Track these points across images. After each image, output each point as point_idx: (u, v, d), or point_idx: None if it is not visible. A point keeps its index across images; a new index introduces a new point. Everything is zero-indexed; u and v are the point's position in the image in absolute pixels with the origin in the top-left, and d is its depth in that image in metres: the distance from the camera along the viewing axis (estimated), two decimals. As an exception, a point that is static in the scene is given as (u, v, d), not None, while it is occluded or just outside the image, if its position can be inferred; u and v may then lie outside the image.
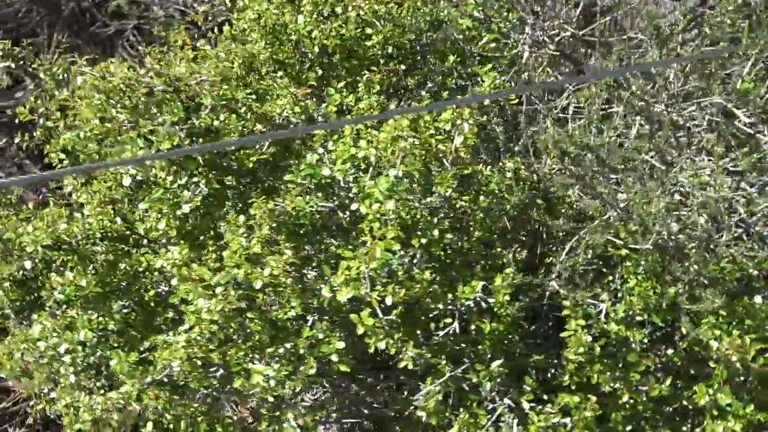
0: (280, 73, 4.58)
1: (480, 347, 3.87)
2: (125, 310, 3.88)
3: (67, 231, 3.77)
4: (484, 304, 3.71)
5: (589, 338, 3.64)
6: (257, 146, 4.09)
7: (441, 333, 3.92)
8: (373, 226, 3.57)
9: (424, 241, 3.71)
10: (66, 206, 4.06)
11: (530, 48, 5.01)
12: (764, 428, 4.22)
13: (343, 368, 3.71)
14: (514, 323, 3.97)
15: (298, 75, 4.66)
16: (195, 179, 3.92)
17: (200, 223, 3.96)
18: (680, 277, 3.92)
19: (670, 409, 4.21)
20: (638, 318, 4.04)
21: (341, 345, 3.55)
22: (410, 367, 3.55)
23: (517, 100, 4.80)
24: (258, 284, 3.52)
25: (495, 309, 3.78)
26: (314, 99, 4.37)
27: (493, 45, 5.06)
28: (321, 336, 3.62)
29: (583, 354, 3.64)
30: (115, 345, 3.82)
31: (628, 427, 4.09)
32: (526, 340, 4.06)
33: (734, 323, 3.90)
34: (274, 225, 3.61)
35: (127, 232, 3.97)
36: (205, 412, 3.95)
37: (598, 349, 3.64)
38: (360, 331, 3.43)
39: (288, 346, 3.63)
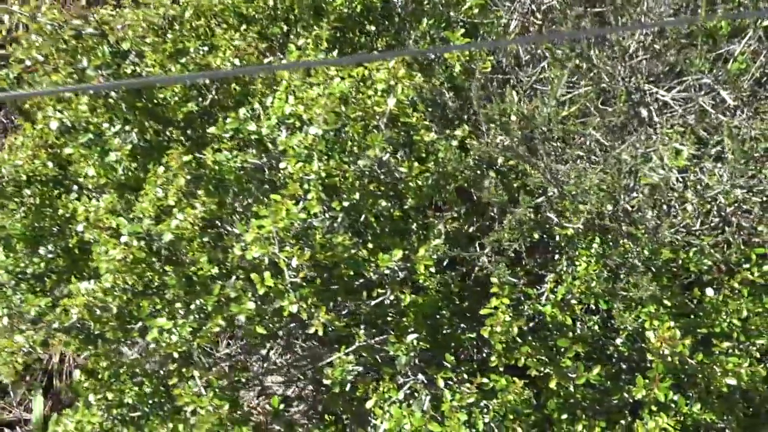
0: (243, 27, 4.45)
1: (404, 319, 3.71)
2: (50, 256, 3.84)
3: (-8, 171, 3.74)
4: (400, 274, 3.54)
5: (508, 318, 3.43)
6: (196, 97, 3.98)
7: (372, 302, 3.80)
8: (292, 186, 3.44)
9: (346, 204, 3.56)
10: None
11: (519, 17, 4.78)
12: (712, 429, 3.98)
13: (259, 330, 3.61)
14: (445, 297, 3.80)
15: (264, 30, 4.53)
16: (128, 127, 3.84)
17: (132, 173, 3.88)
18: (624, 262, 3.68)
19: (614, 401, 4.00)
20: (584, 303, 3.85)
21: (251, 306, 3.43)
22: (320, 333, 3.42)
23: (490, 68, 4.60)
24: (167, 237, 3.42)
25: (419, 281, 3.62)
26: (269, 55, 4.23)
27: (477, 11, 4.85)
28: (233, 295, 3.51)
29: (502, 333, 3.44)
30: (36, 290, 3.79)
31: (563, 415, 3.90)
32: (455, 316, 3.89)
33: (673, 315, 3.65)
34: (191, 178, 3.50)
35: (60, 177, 3.92)
36: (128, 364, 3.90)
37: (516, 329, 3.44)
38: (260, 291, 3.31)
39: (199, 302, 3.54)
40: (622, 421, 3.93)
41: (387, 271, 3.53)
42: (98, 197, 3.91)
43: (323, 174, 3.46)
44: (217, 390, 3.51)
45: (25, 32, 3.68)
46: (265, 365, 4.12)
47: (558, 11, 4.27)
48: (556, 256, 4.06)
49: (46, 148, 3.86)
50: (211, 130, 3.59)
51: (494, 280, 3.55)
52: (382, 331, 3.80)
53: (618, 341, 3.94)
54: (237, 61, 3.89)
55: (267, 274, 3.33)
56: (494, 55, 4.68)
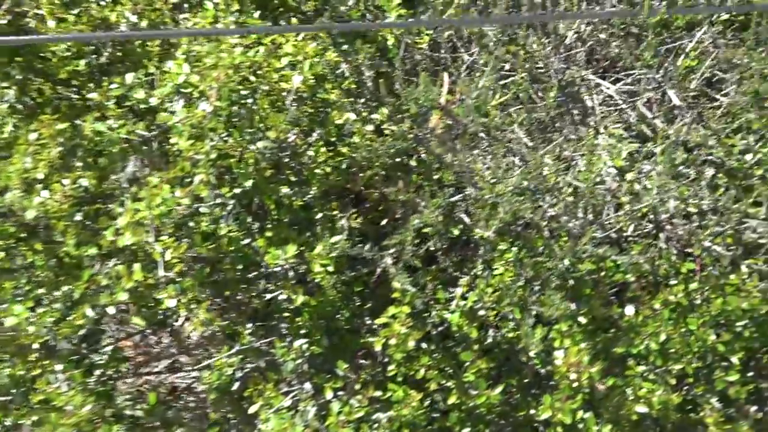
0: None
1: (298, 319, 3.39)
2: None
3: None
4: (293, 272, 3.21)
5: (404, 330, 3.13)
6: (90, 54, 3.56)
7: (267, 298, 3.47)
8: (176, 166, 3.07)
9: (238, 191, 3.20)
10: None
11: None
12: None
13: (137, 321, 3.28)
14: (346, 298, 3.48)
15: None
16: (6, 83, 3.42)
17: (9, 136, 3.46)
18: (537, 275, 3.39)
19: (520, 417, 3.75)
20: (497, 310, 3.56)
21: (124, 297, 3.08)
22: (198, 332, 3.08)
23: (426, 45, 4.22)
24: (30, 214, 3.04)
25: (314, 279, 3.29)
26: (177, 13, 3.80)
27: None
28: (105, 282, 3.15)
29: (397, 346, 3.14)
30: None
31: (465, 430, 3.64)
32: (357, 318, 3.58)
33: (589, 332, 3.39)
34: (66, 149, 3.12)
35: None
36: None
37: (412, 343, 3.14)
38: (127, 285, 2.96)
39: (66, 289, 3.18)
40: (529, 438, 3.69)
41: (277, 269, 3.20)
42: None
43: (213, 155, 3.09)
44: (79, 387, 3.17)
45: None
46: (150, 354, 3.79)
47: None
48: (476, 257, 3.76)
49: None
50: (93, 95, 3.18)
51: (396, 285, 3.24)
52: (276, 331, 3.48)
53: (531, 353, 3.67)
54: (135, 18, 3.47)
55: (137, 267, 2.97)
56: (435, 30, 4.30)
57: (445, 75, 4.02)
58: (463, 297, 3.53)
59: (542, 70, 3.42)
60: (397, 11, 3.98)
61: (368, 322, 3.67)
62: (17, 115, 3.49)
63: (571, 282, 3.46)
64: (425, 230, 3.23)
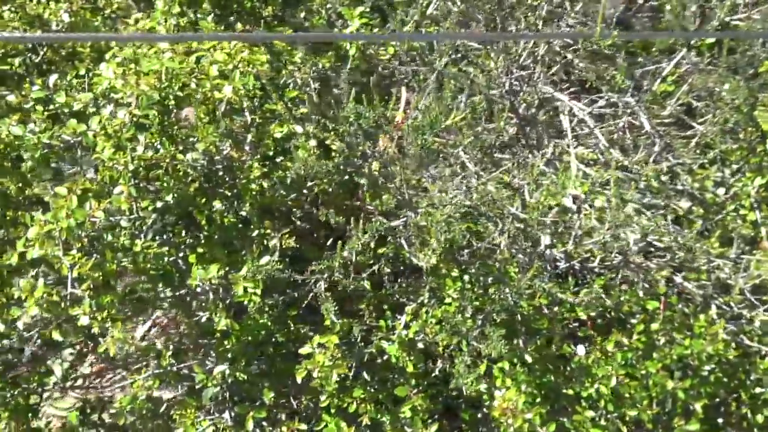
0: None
1: (225, 342, 3.18)
2: None
3: None
4: (215, 293, 3.01)
5: (327, 360, 2.91)
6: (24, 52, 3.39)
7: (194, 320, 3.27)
8: (106, 175, 2.88)
9: (159, 204, 3.00)
10: None
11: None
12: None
13: (56, 335, 3.09)
14: (278, 322, 3.27)
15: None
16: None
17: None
18: (481, 308, 3.16)
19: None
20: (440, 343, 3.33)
21: (35, 311, 2.88)
22: (111, 353, 2.88)
23: (388, 57, 4.02)
24: (-65, 220, 2.87)
25: (242, 302, 3.08)
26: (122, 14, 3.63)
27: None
28: (17, 295, 2.96)
29: (322, 379, 2.93)
30: None
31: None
32: (291, 343, 3.36)
33: (535, 372, 3.15)
34: (-22, 152, 2.94)
35: None
36: None
37: (335, 376, 2.92)
38: (29, 304, 2.77)
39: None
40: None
41: (198, 289, 3.00)
42: None
43: (132, 166, 2.89)
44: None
45: None
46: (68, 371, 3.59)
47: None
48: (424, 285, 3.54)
49: None
50: (11, 98, 3.00)
51: (324, 312, 3.03)
52: (206, 355, 3.28)
53: (466, 391, 3.43)
54: (67, 17, 3.28)
55: (41, 283, 2.78)
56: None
57: (403, 90, 3.81)
58: (406, 326, 3.32)
59: (497, 90, 3.19)
60: (360, 20, 3.79)
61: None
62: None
63: (518, 317, 3.23)
64: (359, 256, 3.01)
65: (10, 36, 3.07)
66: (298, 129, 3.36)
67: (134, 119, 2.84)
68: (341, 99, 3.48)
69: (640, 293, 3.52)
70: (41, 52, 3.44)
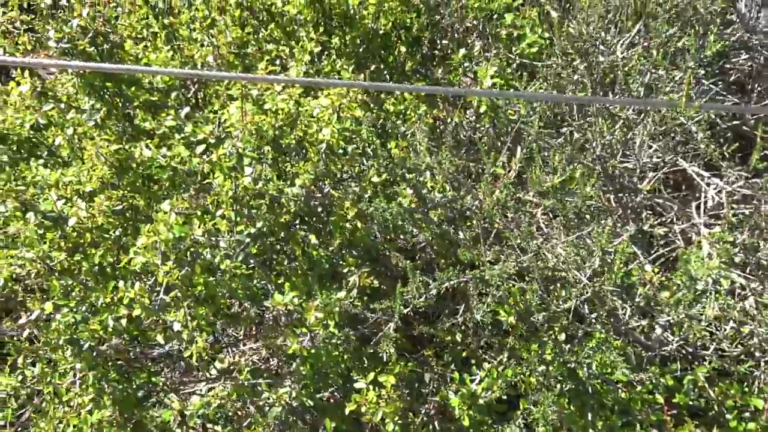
0: (270, 26, 4.27)
1: (293, 364, 3.37)
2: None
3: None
4: (288, 318, 3.21)
5: (375, 397, 2.99)
6: (179, 87, 3.87)
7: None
8: (212, 199, 3.23)
9: (252, 230, 3.28)
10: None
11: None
12: None
13: (158, 338, 3.45)
14: (347, 352, 3.41)
15: (292, 32, 4.32)
16: (99, 105, 3.80)
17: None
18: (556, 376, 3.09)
19: None
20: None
21: (137, 312, 3.26)
22: (193, 360, 3.18)
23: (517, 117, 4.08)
24: (72, 221, 3.34)
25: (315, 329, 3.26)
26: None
27: (535, 50, 4.35)
28: (128, 297, 3.35)
29: (371, 415, 3.01)
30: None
31: None
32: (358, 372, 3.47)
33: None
34: (114, 169, 3.39)
35: (34, 140, 3.97)
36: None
37: (379, 416, 2.98)
38: (125, 302, 3.13)
39: (94, 296, 3.43)
40: None
41: (280, 311, 3.22)
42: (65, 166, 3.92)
43: (230, 193, 3.20)
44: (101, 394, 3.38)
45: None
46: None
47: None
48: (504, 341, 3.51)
49: (27, 108, 3.91)
50: (145, 125, 3.45)
51: (383, 350, 3.12)
52: (276, 375, 3.49)
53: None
54: (211, 59, 3.72)
55: (138, 285, 3.14)
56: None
57: (518, 149, 3.85)
58: (480, 381, 3.32)
59: (590, 154, 3.15)
60: (490, 80, 3.92)
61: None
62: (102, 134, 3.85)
63: (589, 389, 3.12)
64: (423, 300, 3.08)
65: (173, 71, 3.54)
66: (379, 179, 3.51)
67: (239, 151, 3.15)
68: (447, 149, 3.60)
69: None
70: (192, 89, 3.90)
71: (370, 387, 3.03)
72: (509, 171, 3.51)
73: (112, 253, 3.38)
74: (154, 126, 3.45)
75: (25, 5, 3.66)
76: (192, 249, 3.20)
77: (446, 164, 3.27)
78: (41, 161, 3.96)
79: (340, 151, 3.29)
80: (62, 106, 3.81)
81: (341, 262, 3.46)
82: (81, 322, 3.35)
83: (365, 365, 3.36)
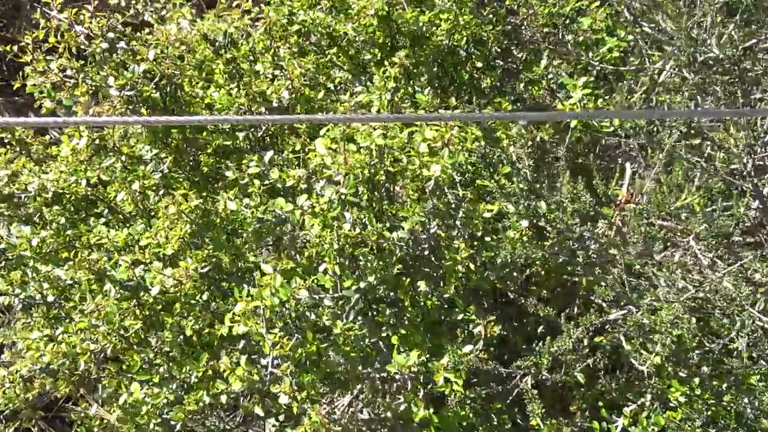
0: (333, 50, 3.91)
1: (423, 432, 3.01)
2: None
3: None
4: (409, 383, 2.85)
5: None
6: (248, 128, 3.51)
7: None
8: (311, 252, 2.87)
9: (362, 284, 2.92)
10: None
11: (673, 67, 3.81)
12: None
13: (257, 410, 3.09)
14: (476, 413, 3.05)
15: (356, 54, 3.97)
16: (163, 154, 3.45)
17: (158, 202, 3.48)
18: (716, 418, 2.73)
19: None
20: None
21: (237, 387, 2.89)
22: (306, 434, 2.81)
23: (612, 129, 3.73)
24: (155, 289, 2.97)
25: (440, 391, 2.90)
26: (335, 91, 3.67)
27: (616, 55, 4.00)
28: (222, 368, 2.99)
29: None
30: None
31: None
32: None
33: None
34: (196, 226, 3.03)
35: (92, 197, 3.60)
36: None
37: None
38: (233, 383, 2.77)
39: (185, 370, 3.06)
40: None
41: (398, 375, 2.86)
42: (127, 225, 3.57)
43: (338, 244, 2.84)
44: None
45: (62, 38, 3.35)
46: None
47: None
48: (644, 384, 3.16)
49: (82, 163, 3.53)
50: (228, 173, 3.09)
51: (531, 413, 2.76)
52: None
53: None
54: (287, 94, 3.36)
55: (243, 360, 2.78)
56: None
57: (627, 165, 3.50)
58: (624, 430, 2.96)
59: (737, 170, 2.80)
60: (583, 91, 3.58)
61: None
62: (169, 185, 3.50)
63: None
64: (570, 355, 2.72)
65: (232, 117, 3.18)
66: (510, 208, 3.17)
67: (341, 197, 2.80)
68: (558, 174, 3.25)
69: None
70: (264, 126, 3.54)
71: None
72: (632, 194, 3.16)
73: (203, 322, 3.01)
74: (237, 175, 3.08)
75: (74, 50, 3.29)
76: (297, 312, 2.84)
77: (565, 189, 2.91)
78: (101, 220, 3.61)
79: (446, 187, 2.93)
80: (123, 158, 3.46)
81: (455, 310, 3.10)
82: (175, 403, 2.99)
83: (501, 425, 3.00)
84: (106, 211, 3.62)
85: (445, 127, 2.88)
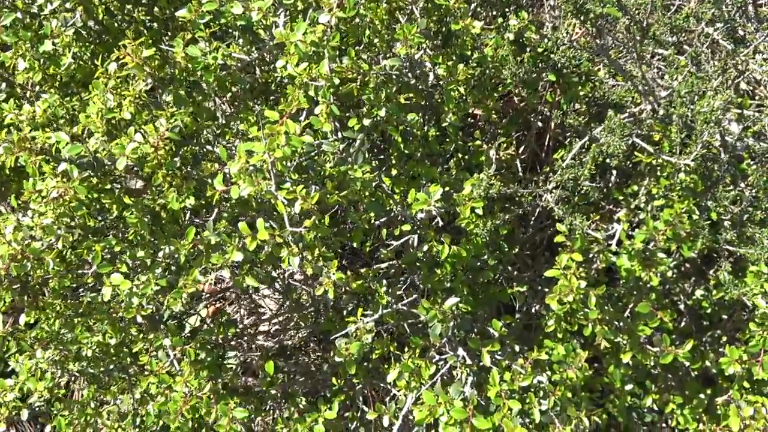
0: None
1: (438, 273, 2.84)
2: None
3: None
4: (440, 221, 2.64)
5: (583, 284, 2.57)
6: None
7: (393, 246, 2.92)
8: (294, 96, 2.48)
9: (367, 122, 2.61)
10: None
11: None
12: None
13: (249, 281, 2.75)
14: (491, 244, 2.92)
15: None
16: (69, 4, 2.82)
17: (80, 67, 2.90)
18: (727, 207, 2.79)
19: (693, 372, 3.22)
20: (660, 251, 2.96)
21: (238, 257, 2.53)
22: (330, 295, 2.55)
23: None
24: (122, 163, 2.48)
25: (461, 225, 2.72)
26: None
27: None
28: (214, 241, 2.61)
29: (575, 303, 2.59)
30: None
31: (627, 386, 3.13)
32: (502, 269, 3.02)
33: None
34: (154, 81, 2.53)
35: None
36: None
37: (593, 299, 2.59)
38: (251, 246, 2.42)
39: (168, 250, 2.65)
40: (701, 396, 3.16)
41: (421, 215, 2.64)
42: (34, 100, 2.96)
43: (335, 79, 2.49)
44: (195, 366, 2.68)
45: None
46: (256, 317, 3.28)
47: None
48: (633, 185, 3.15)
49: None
50: (182, 12, 2.57)
51: (561, 227, 2.67)
52: (408, 287, 2.95)
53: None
54: None
55: (260, 223, 2.42)
56: None
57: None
58: (628, 236, 2.95)
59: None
60: None
61: (511, 271, 3.14)
62: (83, 43, 2.91)
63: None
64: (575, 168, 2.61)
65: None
66: (477, 26, 2.92)
67: (340, 25, 2.42)
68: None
69: None
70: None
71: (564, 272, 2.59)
72: None
73: (188, 191, 2.58)
74: (190, 14, 2.55)
75: None
76: (307, 163, 2.51)
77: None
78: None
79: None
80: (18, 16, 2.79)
81: (449, 140, 2.88)
82: (169, 289, 2.59)
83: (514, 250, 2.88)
84: (4, 85, 2.96)
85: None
